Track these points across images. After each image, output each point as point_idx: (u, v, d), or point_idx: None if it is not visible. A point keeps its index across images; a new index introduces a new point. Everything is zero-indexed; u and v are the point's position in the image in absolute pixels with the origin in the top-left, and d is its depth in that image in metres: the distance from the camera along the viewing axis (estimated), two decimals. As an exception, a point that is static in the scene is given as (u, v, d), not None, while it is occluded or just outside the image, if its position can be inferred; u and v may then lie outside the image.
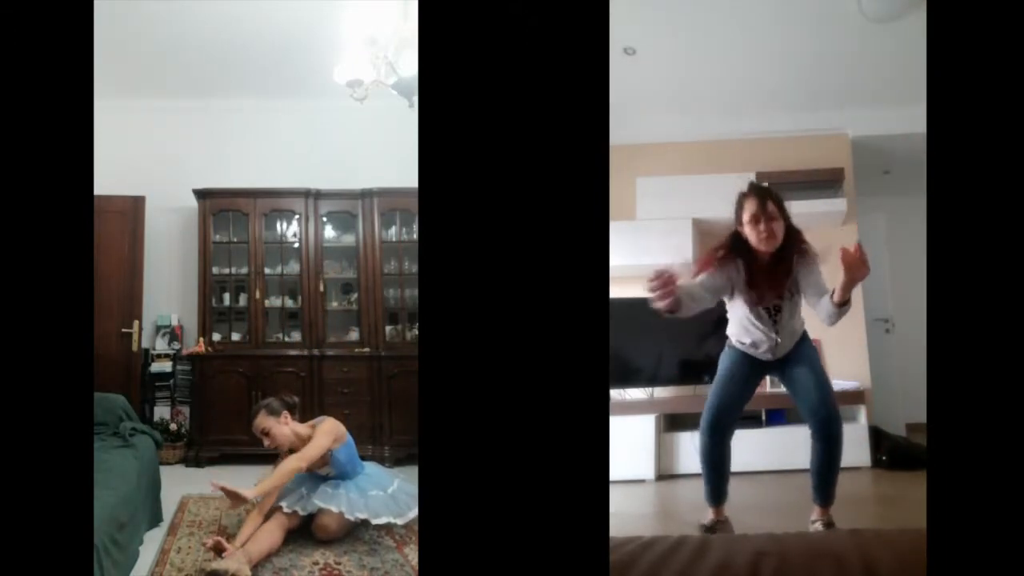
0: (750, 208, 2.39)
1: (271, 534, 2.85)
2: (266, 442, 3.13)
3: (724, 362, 2.68)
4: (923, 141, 1.34)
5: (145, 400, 5.03)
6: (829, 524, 2.64)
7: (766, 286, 2.45)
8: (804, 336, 2.65)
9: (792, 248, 2.43)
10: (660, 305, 2.23)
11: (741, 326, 2.57)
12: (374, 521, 3.00)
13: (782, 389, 4.49)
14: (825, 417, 2.53)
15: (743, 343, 2.60)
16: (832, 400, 2.57)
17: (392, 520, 3.03)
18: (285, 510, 2.96)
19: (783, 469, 4.08)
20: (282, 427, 3.12)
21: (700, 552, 1.20)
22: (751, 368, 2.65)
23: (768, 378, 4.48)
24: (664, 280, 2.18)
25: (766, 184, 2.64)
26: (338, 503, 2.97)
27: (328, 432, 3.09)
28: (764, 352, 2.58)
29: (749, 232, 2.40)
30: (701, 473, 2.73)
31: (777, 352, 2.57)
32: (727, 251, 2.45)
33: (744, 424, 4.32)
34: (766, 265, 2.44)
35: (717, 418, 2.61)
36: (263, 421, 3.11)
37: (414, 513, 3.10)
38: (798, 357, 2.60)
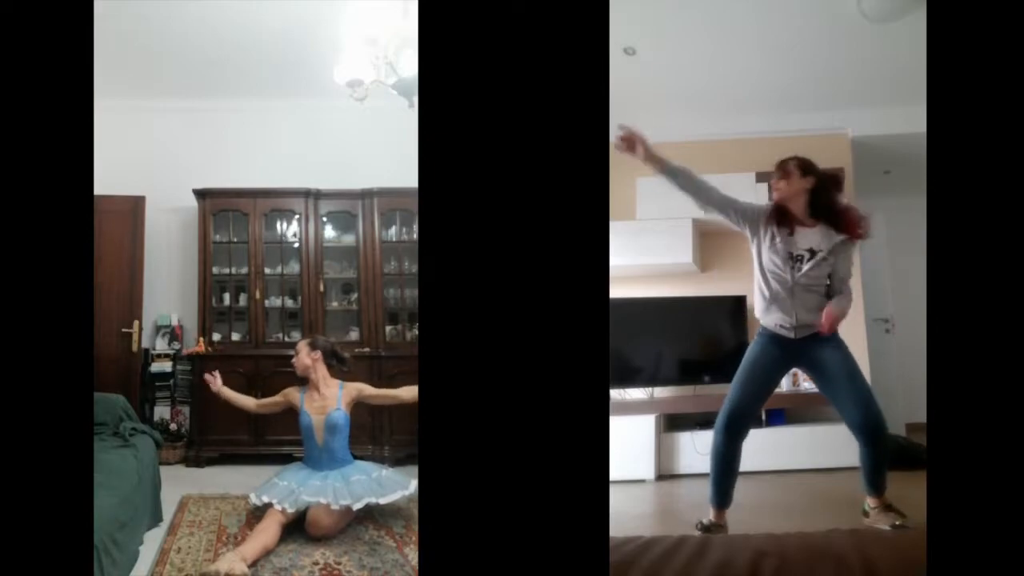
0: (780, 170, 2.69)
1: (266, 532, 2.87)
2: (295, 363, 3.45)
3: (749, 354, 2.74)
4: (923, 141, 1.34)
5: (145, 400, 5.03)
6: (888, 507, 2.73)
7: (786, 220, 2.65)
8: (831, 344, 2.69)
9: (828, 210, 2.64)
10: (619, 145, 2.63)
11: (763, 276, 2.66)
12: (355, 506, 3.06)
13: (782, 389, 4.52)
14: (864, 424, 2.62)
15: (766, 309, 2.67)
16: (872, 402, 2.63)
17: (374, 500, 3.12)
18: (276, 507, 2.99)
19: (783, 469, 4.09)
20: (309, 360, 3.42)
21: (700, 552, 1.20)
22: (777, 359, 2.71)
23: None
24: (629, 136, 2.66)
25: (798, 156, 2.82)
26: (324, 494, 3.04)
27: (367, 386, 3.55)
28: (782, 308, 2.64)
29: (776, 185, 2.68)
30: (709, 472, 2.75)
31: (793, 315, 2.63)
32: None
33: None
34: (791, 212, 2.66)
35: (735, 416, 2.68)
36: (298, 346, 3.50)
37: (396, 495, 3.20)
38: (829, 356, 2.67)
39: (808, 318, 2.65)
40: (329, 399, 3.37)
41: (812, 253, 2.62)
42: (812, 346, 2.68)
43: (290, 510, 2.99)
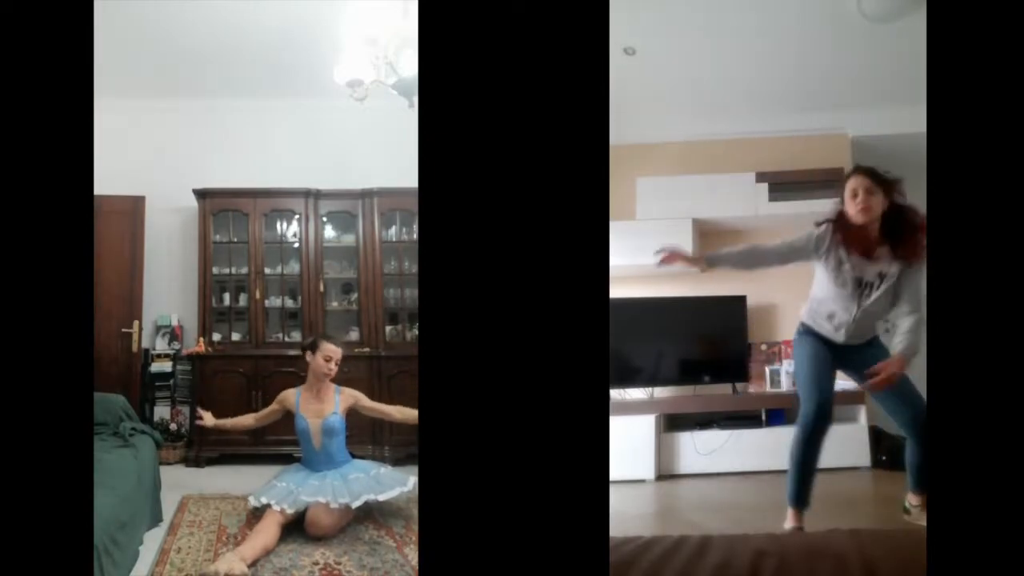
0: (852, 184, 2.45)
1: (265, 532, 2.87)
2: (332, 369, 3.38)
3: (802, 353, 2.65)
4: (923, 141, 1.34)
5: (145, 400, 5.03)
6: None
7: (860, 246, 2.45)
8: (875, 337, 2.64)
9: (902, 233, 2.42)
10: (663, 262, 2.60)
11: (824, 295, 2.56)
12: (354, 504, 3.05)
13: (782, 389, 4.52)
14: (915, 420, 2.50)
15: (819, 317, 2.58)
16: (921, 398, 2.48)
17: (372, 497, 3.12)
18: (275, 507, 2.99)
19: (783, 469, 4.08)
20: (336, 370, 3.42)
21: (700, 552, 1.20)
22: (826, 353, 2.61)
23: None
24: (670, 257, 2.58)
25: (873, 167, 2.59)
26: (323, 494, 3.05)
27: (363, 397, 3.53)
28: (838, 327, 2.55)
29: (848, 206, 2.44)
30: (790, 471, 2.63)
31: (849, 334, 2.55)
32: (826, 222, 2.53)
33: (744, 424, 4.35)
34: (866, 236, 2.45)
35: (819, 412, 2.52)
36: (341, 353, 3.42)
37: (395, 492, 3.20)
38: (873, 357, 2.52)
39: (860, 333, 2.58)
40: (326, 403, 3.36)
41: (882, 278, 2.46)
42: (855, 348, 2.61)
43: (289, 511, 2.99)
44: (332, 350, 3.39)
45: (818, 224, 2.55)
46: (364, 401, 3.50)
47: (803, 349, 2.66)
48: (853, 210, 2.43)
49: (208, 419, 3.51)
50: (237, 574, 2.53)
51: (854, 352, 2.61)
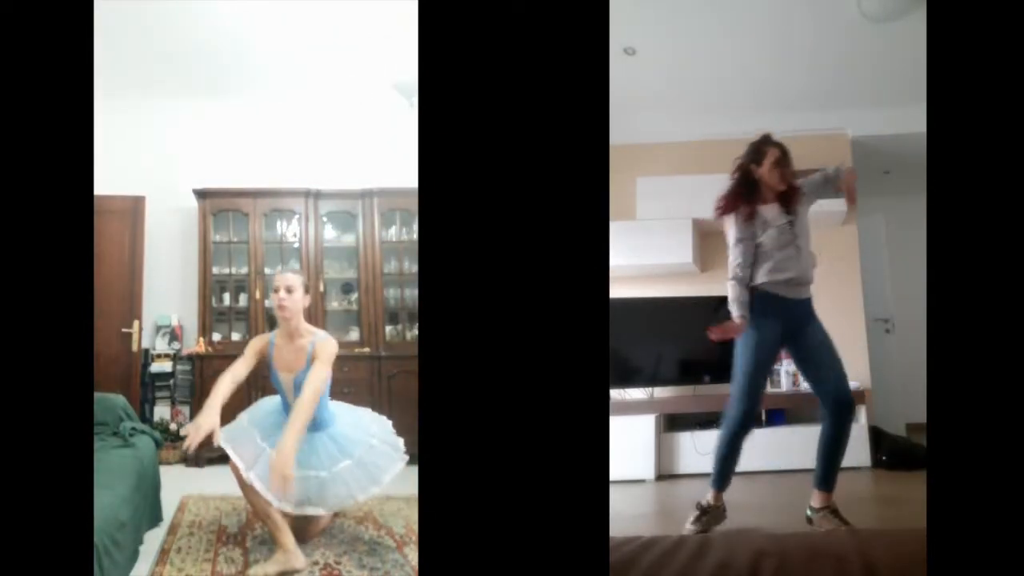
0: (774, 154, 2.73)
1: (283, 529, 2.69)
2: (283, 298, 2.76)
3: (749, 340, 2.70)
4: (923, 141, 1.34)
5: (145, 400, 5.03)
6: (835, 513, 2.70)
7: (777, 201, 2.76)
8: (814, 314, 2.75)
9: (794, 198, 2.76)
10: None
11: (774, 256, 2.69)
12: (329, 511, 2.85)
13: (782, 389, 4.51)
14: (841, 396, 2.66)
15: (778, 279, 2.68)
16: (846, 380, 2.69)
17: (351, 500, 2.79)
18: (241, 467, 2.67)
19: (783, 469, 4.08)
20: (303, 304, 2.82)
21: (700, 552, 1.20)
22: (774, 338, 2.71)
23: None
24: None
25: None
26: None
27: (329, 360, 2.78)
28: (797, 280, 2.68)
29: (769, 172, 2.71)
30: (717, 458, 2.80)
31: (805, 282, 2.69)
32: (739, 195, 2.74)
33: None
34: (773, 197, 2.75)
35: (749, 416, 2.73)
36: (294, 280, 2.81)
37: (372, 492, 2.82)
38: (812, 333, 2.71)
39: (810, 274, 2.75)
40: (299, 354, 2.80)
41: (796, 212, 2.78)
42: (801, 332, 2.74)
43: (255, 482, 2.63)
44: (279, 279, 2.80)
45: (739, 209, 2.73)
46: (321, 368, 2.74)
47: (750, 340, 2.69)
48: (776, 178, 2.72)
49: (201, 432, 2.61)
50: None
51: (798, 317, 2.70)
